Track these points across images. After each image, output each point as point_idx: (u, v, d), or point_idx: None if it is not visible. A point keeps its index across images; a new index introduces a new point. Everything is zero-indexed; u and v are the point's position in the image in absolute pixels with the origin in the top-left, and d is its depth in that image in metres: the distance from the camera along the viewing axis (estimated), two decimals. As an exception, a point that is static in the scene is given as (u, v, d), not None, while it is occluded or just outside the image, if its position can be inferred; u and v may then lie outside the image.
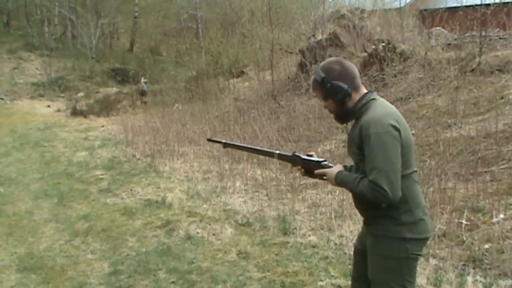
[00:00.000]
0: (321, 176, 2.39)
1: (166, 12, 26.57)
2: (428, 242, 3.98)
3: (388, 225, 2.18)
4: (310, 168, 2.43)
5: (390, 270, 2.20)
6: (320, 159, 2.42)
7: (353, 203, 2.46)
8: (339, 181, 2.25)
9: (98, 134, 11.58)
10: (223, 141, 2.75)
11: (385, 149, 2.06)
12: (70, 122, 13.60)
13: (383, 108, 2.19)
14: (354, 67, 2.29)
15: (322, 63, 2.32)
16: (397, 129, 2.10)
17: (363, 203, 2.27)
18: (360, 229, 2.58)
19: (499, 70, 7.70)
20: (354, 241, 2.62)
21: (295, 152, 2.51)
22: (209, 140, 2.96)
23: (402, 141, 2.11)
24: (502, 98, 6.92)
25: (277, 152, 2.54)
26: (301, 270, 3.92)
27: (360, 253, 2.45)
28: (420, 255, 2.25)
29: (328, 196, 5.52)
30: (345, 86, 2.22)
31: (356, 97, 2.25)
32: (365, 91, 2.28)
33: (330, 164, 2.39)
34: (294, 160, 2.47)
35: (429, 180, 5.19)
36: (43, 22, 23.26)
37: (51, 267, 4.29)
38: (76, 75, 21.06)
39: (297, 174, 6.29)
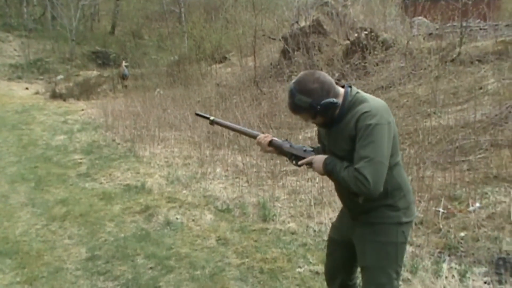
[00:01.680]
0: (307, 163, 2.34)
1: (148, -5, 26.22)
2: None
3: (386, 212, 2.22)
4: (298, 155, 2.40)
5: (388, 255, 2.24)
6: (310, 148, 2.41)
7: (335, 193, 2.44)
8: (328, 162, 2.19)
9: (77, 117, 11.43)
10: (212, 118, 2.68)
11: (380, 141, 2.04)
12: (48, 105, 13.39)
13: (375, 101, 2.17)
14: (326, 75, 2.21)
15: (299, 87, 2.17)
16: (391, 124, 2.11)
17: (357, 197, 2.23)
18: (336, 219, 2.58)
19: (479, 61, 7.79)
20: (329, 231, 2.62)
21: (287, 138, 2.50)
22: (197, 114, 2.93)
23: (394, 134, 2.13)
24: (480, 88, 7.00)
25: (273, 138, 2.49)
26: (280, 257, 3.94)
27: (338, 243, 2.49)
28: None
29: (308, 183, 5.54)
30: (333, 100, 2.14)
31: (340, 100, 2.18)
32: (342, 89, 2.22)
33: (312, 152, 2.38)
34: (282, 146, 2.44)
35: (408, 169, 5.24)
36: (22, 2, 22.79)
37: (27, 252, 4.23)
38: (55, 57, 20.70)
39: (278, 161, 6.31)
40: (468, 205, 4.48)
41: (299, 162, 2.37)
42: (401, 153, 5.60)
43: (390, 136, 2.08)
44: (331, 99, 2.13)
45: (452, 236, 4.00)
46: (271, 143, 2.46)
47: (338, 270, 2.53)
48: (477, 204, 4.45)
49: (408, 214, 2.25)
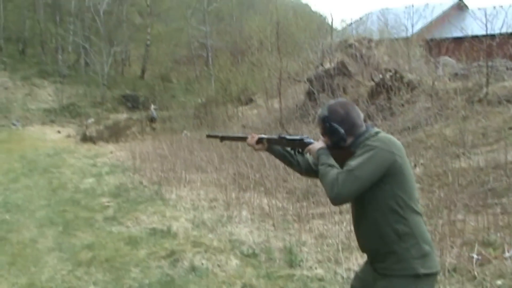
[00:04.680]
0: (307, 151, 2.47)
1: (177, 40, 27.06)
2: (438, 277, 3.90)
3: (399, 263, 2.12)
4: (295, 147, 2.55)
5: None
6: (303, 136, 2.55)
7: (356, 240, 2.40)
8: (320, 152, 2.30)
9: (106, 160, 11.64)
10: (220, 134, 2.97)
11: (370, 160, 2.08)
12: (79, 148, 13.72)
13: (387, 136, 2.21)
14: (358, 113, 2.31)
15: (330, 102, 2.38)
16: (394, 157, 2.10)
17: (369, 238, 2.21)
18: (360, 269, 2.50)
19: (507, 101, 7.67)
20: (351, 280, 2.54)
21: (280, 134, 2.68)
22: (208, 136, 3.20)
23: (399, 170, 2.11)
24: (510, 128, 6.86)
25: (265, 136, 2.67)
26: (307, 305, 3.83)
27: None
28: None
29: (335, 227, 5.43)
30: (342, 130, 2.26)
31: (351, 139, 2.28)
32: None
33: (311, 140, 2.49)
34: (280, 141, 2.60)
35: (438, 212, 5.11)
36: (57, 50, 23.77)
37: (53, 298, 4.23)
38: (87, 102, 21.39)
39: (305, 203, 6.23)
40: (503, 251, 4.31)
41: (306, 149, 2.46)
42: (431, 195, 5.52)
43: (383, 162, 2.09)
44: (341, 128, 2.26)
45: (488, 285, 3.82)
46: (259, 140, 2.63)
47: None
48: (513, 250, 4.28)
49: (426, 265, 2.11)
